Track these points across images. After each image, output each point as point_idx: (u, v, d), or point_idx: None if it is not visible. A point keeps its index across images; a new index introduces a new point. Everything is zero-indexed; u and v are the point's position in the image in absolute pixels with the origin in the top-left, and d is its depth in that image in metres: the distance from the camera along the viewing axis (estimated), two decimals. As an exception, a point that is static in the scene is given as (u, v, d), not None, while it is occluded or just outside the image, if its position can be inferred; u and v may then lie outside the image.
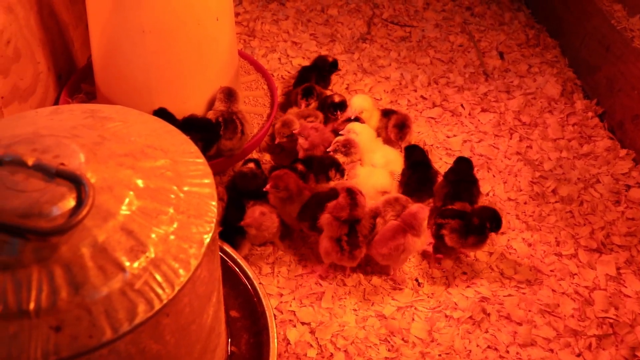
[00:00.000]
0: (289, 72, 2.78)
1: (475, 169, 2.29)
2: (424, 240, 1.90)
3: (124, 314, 0.86)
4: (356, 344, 1.75)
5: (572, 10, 2.98)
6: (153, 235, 0.94)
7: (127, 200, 0.96)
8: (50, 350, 0.82)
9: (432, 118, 2.59)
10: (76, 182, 0.92)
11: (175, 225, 0.97)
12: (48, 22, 2.19)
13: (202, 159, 1.12)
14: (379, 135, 2.32)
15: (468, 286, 1.94)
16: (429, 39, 3.08)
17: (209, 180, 1.08)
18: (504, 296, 1.92)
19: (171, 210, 0.99)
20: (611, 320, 1.87)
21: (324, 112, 2.34)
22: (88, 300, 0.86)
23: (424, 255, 2.02)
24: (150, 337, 0.93)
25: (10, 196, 0.89)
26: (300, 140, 2.17)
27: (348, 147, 2.11)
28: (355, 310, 1.85)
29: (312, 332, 1.78)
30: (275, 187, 1.88)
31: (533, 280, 1.97)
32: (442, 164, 2.34)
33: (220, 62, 2.12)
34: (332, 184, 2.00)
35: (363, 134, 2.21)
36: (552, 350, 1.79)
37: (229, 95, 2.06)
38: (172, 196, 1.01)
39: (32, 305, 0.84)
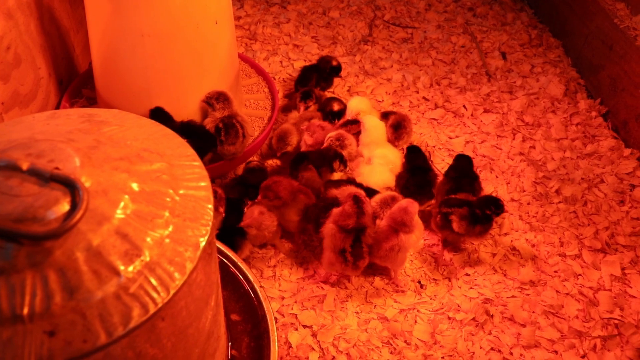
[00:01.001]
0: (290, 75, 2.78)
1: (478, 170, 2.29)
2: (419, 235, 1.87)
3: (118, 318, 0.86)
4: (358, 346, 1.74)
5: (575, 10, 2.97)
6: (148, 239, 0.93)
7: (122, 204, 0.95)
8: (44, 355, 0.82)
9: (435, 119, 2.58)
10: (70, 186, 0.91)
11: (170, 229, 0.97)
12: (48, 28, 2.20)
13: (198, 162, 1.12)
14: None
15: (471, 287, 1.93)
16: (430, 40, 3.08)
17: (205, 183, 1.07)
18: (507, 297, 1.91)
19: (167, 214, 0.98)
20: (616, 321, 1.86)
21: (324, 117, 2.35)
22: (82, 305, 0.85)
23: (431, 256, 2.01)
24: (146, 341, 0.92)
25: (4, 201, 0.89)
26: (305, 136, 2.18)
27: (342, 140, 2.11)
28: (357, 312, 1.84)
29: (314, 335, 1.77)
30: (266, 198, 1.88)
31: (537, 281, 1.96)
32: (444, 165, 2.33)
33: (220, 66, 2.12)
34: (334, 192, 1.95)
35: (374, 127, 2.25)
36: (556, 352, 1.77)
37: (222, 100, 2.05)
38: (168, 199, 1.01)
39: (26, 310, 0.83)
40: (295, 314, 1.82)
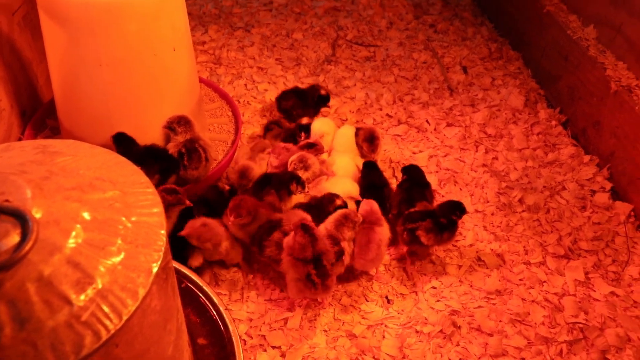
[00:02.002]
0: (254, 98, 2.80)
1: (442, 184, 2.33)
2: (386, 226, 1.96)
3: (70, 346, 0.86)
4: (327, 364, 1.76)
5: (532, 22, 3.04)
6: (100, 267, 0.94)
7: (74, 233, 0.96)
8: (-5, 387, 0.82)
9: (398, 135, 2.61)
10: (20, 218, 0.92)
11: (122, 256, 0.97)
12: (9, 60, 2.20)
13: (151, 189, 1.13)
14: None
15: (438, 300, 1.95)
16: (393, 58, 3.13)
17: (157, 209, 1.08)
18: (474, 308, 1.93)
19: (119, 241, 0.99)
20: (581, 325, 1.89)
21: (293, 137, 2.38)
22: (33, 335, 0.85)
23: (398, 271, 2.03)
24: (101, 368, 0.92)
25: (-47, 235, 0.89)
26: (271, 159, 2.20)
27: (304, 161, 2.12)
28: (325, 331, 1.85)
29: (283, 355, 1.77)
30: (239, 216, 1.87)
31: (503, 290, 1.99)
32: (408, 180, 2.35)
33: (180, 92, 2.13)
34: (280, 215, 1.95)
35: (321, 125, 2.37)
36: (523, 359, 1.80)
37: (184, 123, 2.05)
38: (120, 227, 1.01)
39: (-25, 344, 0.83)
40: (264, 335, 1.82)
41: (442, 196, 2.31)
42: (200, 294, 1.68)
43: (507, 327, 1.88)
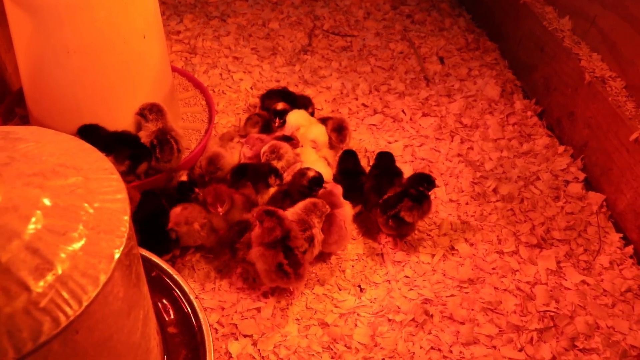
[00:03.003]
0: (230, 87, 2.78)
1: (417, 173, 2.32)
2: (349, 206, 2.00)
3: (28, 333, 0.85)
4: (299, 353, 1.75)
5: (508, 14, 3.05)
6: (60, 253, 0.93)
7: (33, 219, 0.94)
8: (-51, 376, 0.80)
9: (374, 125, 2.61)
10: (-24, 204, 0.90)
11: (83, 241, 0.96)
12: (-24, 48, 2.17)
13: (116, 175, 1.11)
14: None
15: (410, 289, 1.95)
16: (369, 48, 3.12)
17: (121, 195, 1.07)
18: (446, 297, 1.94)
19: (80, 227, 0.98)
20: (552, 313, 1.90)
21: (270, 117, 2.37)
22: (-11, 323, 0.84)
23: (372, 259, 2.03)
24: (62, 353, 0.91)
25: None
26: (245, 149, 2.18)
27: (277, 151, 2.11)
28: (298, 319, 1.84)
29: (255, 344, 1.77)
30: (221, 205, 1.86)
31: (475, 279, 1.99)
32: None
33: (150, 80, 2.11)
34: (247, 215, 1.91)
35: (297, 117, 2.34)
36: (494, 347, 1.81)
37: (155, 111, 2.03)
38: (82, 213, 1.00)
39: None
40: (236, 324, 1.81)
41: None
42: (171, 283, 1.67)
43: (478, 316, 1.88)
